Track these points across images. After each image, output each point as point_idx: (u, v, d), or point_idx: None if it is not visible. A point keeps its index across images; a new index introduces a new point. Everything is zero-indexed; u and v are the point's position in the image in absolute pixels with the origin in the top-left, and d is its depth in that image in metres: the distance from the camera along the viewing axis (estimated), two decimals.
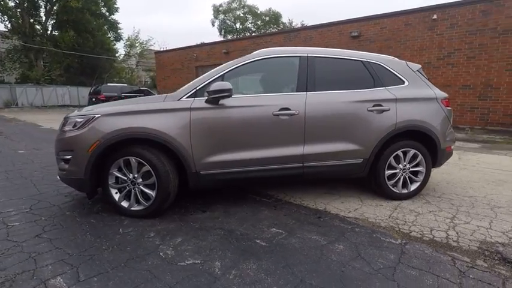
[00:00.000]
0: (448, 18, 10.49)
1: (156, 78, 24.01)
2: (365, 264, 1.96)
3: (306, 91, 2.90)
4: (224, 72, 2.81)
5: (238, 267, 1.90)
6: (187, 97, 2.71)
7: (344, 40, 12.93)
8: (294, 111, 2.80)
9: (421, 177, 3.21)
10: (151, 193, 2.61)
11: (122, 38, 30.67)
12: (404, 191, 3.19)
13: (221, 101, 2.68)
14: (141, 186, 2.64)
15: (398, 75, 3.19)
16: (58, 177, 2.88)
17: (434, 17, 10.66)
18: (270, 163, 2.82)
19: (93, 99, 16.93)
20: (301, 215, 2.78)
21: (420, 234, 2.41)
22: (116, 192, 2.71)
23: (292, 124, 2.82)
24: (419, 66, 3.41)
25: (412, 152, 3.12)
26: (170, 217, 2.71)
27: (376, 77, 3.11)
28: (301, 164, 2.89)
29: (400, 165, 3.13)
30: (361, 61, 3.14)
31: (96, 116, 2.58)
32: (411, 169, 3.18)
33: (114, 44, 30.64)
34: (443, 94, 3.32)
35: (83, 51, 25.70)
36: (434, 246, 2.22)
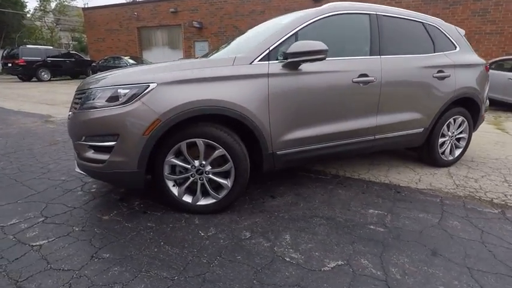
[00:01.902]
0: None
1: (86, 40, 20.55)
2: (499, 240, 1.87)
3: (380, 55, 2.58)
4: (298, 28, 2.28)
5: (392, 263, 1.63)
6: (259, 60, 2.14)
7: (306, 3, 12.58)
8: (371, 78, 2.48)
9: (463, 143, 3.28)
10: (226, 182, 2.09)
11: None
12: (450, 157, 3.23)
13: (300, 66, 2.20)
14: (210, 175, 2.08)
15: (452, 40, 3.07)
16: (79, 171, 2.11)
17: None
18: (347, 137, 2.50)
19: (9, 65, 13.77)
20: (378, 192, 2.58)
21: (502, 201, 2.44)
22: (173, 185, 2.11)
23: (369, 92, 2.51)
24: (464, 31, 3.34)
25: (460, 119, 3.13)
26: (242, 208, 2.24)
27: (436, 40, 2.94)
28: (373, 137, 2.65)
29: (449, 132, 3.13)
30: (422, 22, 2.91)
31: (151, 85, 1.86)
32: (456, 136, 3.21)
33: None
34: (484, 60, 3.34)
35: None
36: None
